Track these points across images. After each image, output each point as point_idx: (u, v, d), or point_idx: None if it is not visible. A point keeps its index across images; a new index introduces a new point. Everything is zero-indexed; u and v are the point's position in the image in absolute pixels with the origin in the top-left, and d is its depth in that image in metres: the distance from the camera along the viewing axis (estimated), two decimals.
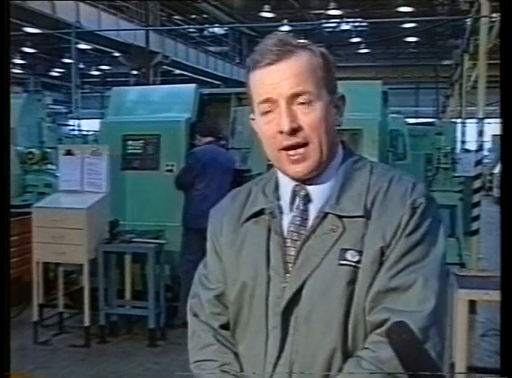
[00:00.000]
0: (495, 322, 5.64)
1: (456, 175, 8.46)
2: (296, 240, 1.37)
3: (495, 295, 3.29)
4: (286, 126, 1.32)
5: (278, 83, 1.33)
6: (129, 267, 5.85)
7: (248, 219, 1.44)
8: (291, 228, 1.38)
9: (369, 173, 1.39)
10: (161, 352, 5.46)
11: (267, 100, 1.35)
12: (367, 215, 1.33)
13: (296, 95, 1.33)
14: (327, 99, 1.36)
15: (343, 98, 1.42)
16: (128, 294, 5.87)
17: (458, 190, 7.97)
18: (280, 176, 1.43)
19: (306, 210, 1.38)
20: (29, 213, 5.82)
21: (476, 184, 7.36)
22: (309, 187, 1.39)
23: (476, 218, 7.16)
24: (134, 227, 6.09)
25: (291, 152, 1.34)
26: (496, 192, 17.43)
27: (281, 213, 1.40)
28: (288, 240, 1.38)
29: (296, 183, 1.40)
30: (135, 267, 5.91)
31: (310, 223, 1.37)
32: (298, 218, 1.38)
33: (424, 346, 1.25)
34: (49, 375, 4.96)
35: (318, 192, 1.39)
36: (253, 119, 1.43)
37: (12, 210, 5.10)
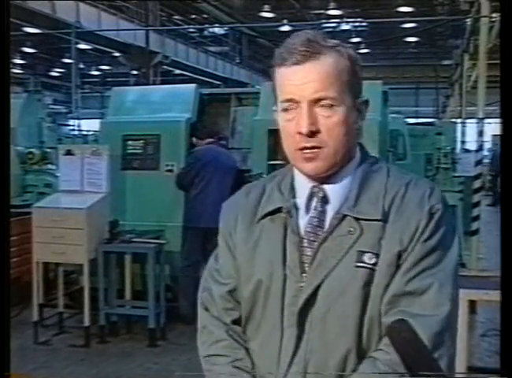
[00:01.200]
0: (495, 322, 5.63)
1: (456, 175, 8.47)
2: (313, 241, 1.37)
3: (495, 295, 3.28)
4: (305, 128, 1.33)
5: (302, 84, 1.33)
6: (129, 267, 5.84)
7: (264, 216, 1.44)
8: (308, 229, 1.39)
9: (386, 176, 1.40)
10: (161, 352, 5.46)
11: (290, 100, 1.36)
12: (385, 218, 1.34)
13: (319, 99, 1.34)
14: (349, 103, 1.37)
15: (366, 102, 1.43)
16: (127, 294, 5.86)
17: (458, 190, 7.97)
18: (297, 173, 1.44)
19: (323, 211, 1.39)
20: (29, 213, 5.81)
21: (476, 184, 7.37)
22: (326, 188, 1.40)
23: (476, 218, 7.16)
24: (134, 227, 6.09)
25: (306, 151, 1.35)
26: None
27: (297, 211, 1.41)
28: (305, 240, 1.38)
29: (314, 183, 1.40)
30: (135, 267, 5.91)
31: (327, 224, 1.38)
32: (316, 219, 1.39)
33: (425, 346, 1.25)
34: (49, 375, 4.95)
35: (336, 193, 1.40)
36: (275, 110, 1.44)
37: (13, 210, 5.09)
